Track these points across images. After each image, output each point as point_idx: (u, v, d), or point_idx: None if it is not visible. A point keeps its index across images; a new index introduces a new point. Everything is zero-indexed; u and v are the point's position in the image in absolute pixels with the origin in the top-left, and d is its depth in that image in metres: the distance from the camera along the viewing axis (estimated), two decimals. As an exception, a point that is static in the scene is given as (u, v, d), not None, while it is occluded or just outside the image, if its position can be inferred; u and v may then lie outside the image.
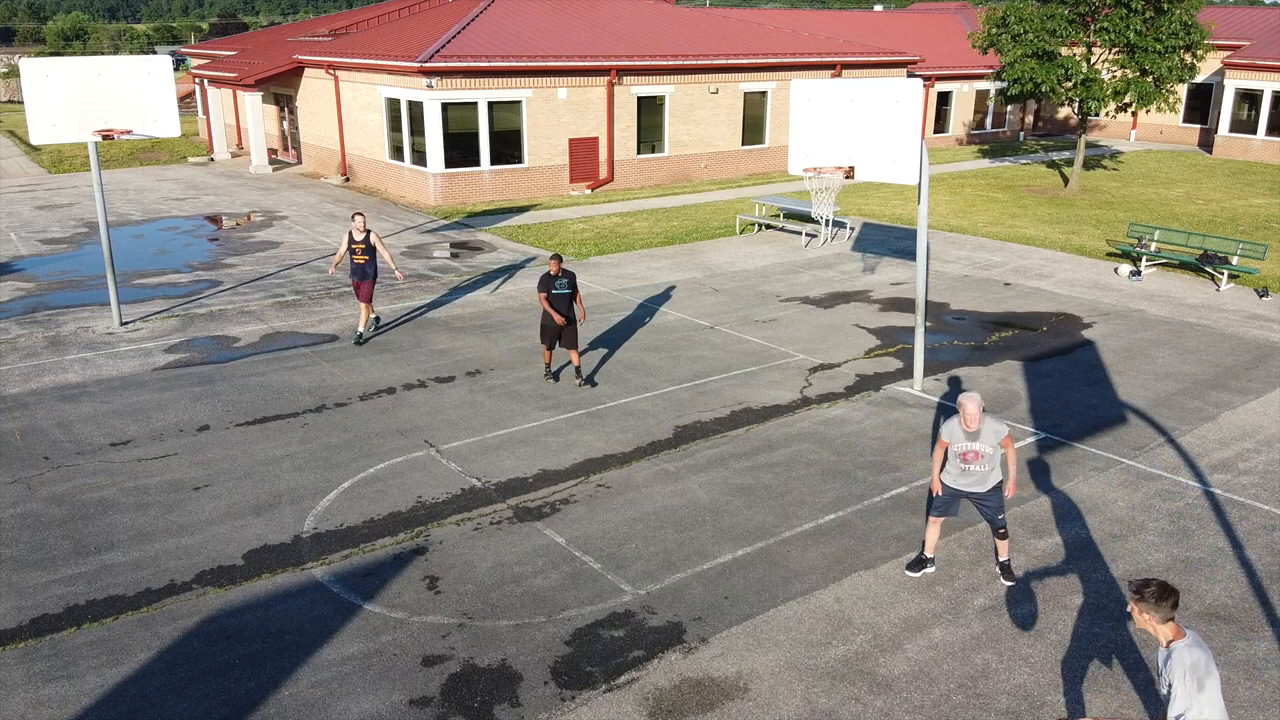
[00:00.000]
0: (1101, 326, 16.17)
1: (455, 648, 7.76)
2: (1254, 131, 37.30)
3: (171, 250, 21.79)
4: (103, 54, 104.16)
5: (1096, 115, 28.99)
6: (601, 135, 29.55)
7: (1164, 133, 42.26)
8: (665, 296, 17.93)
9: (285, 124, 36.43)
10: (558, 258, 13.09)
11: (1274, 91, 36.59)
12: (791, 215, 25.06)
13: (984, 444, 8.32)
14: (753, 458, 11.17)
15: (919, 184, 11.85)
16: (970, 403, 8.22)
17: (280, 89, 35.01)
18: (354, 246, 14.91)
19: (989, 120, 43.07)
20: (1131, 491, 10.43)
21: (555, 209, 26.86)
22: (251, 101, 32.97)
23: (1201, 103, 40.99)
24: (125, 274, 19.38)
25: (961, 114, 41.91)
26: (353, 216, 15.03)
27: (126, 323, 16.24)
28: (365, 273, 15.06)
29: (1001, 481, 8.54)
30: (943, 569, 8.89)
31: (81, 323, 16.25)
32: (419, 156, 27.64)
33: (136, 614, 8.18)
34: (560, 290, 13.06)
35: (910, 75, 36.90)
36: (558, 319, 13.07)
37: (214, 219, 25.56)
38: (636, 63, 29.16)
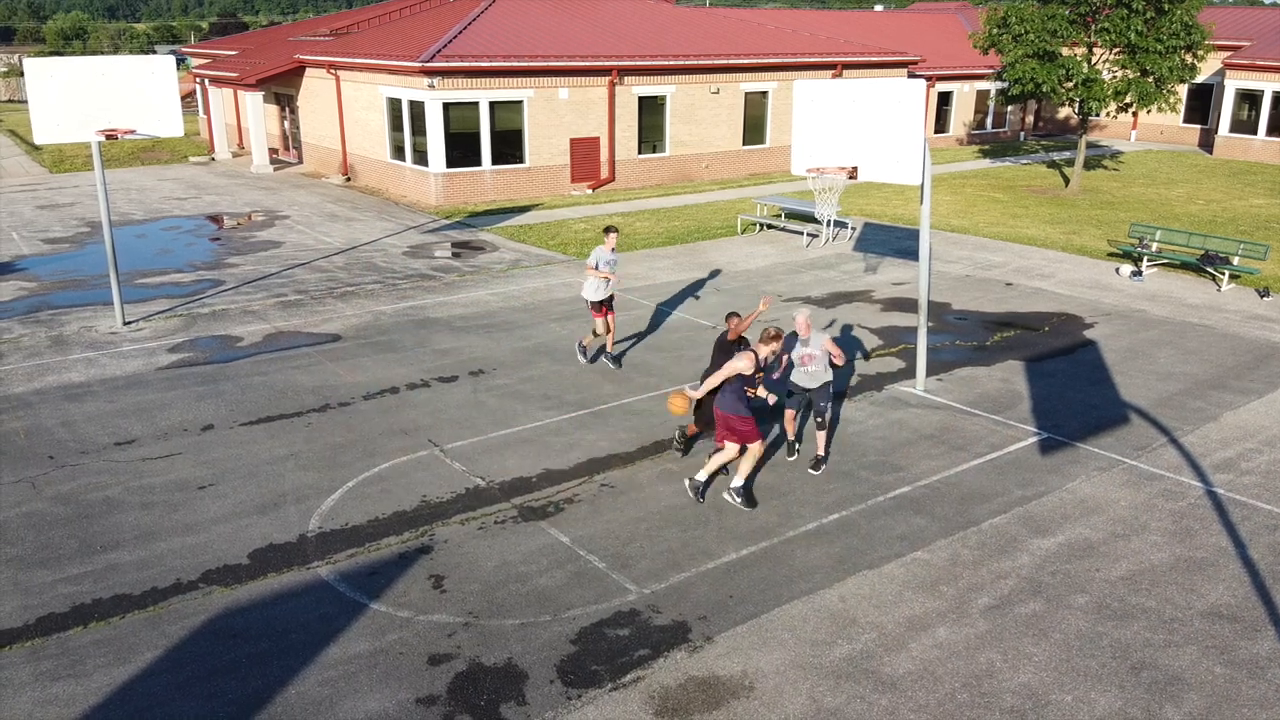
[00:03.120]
0: (1103, 327, 16.19)
1: (461, 646, 7.78)
2: (1254, 132, 37.33)
3: (174, 250, 21.81)
4: (102, 53, 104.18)
5: (1097, 115, 29.02)
6: (603, 135, 29.57)
7: (1164, 133, 42.29)
8: (667, 296, 17.95)
9: (286, 124, 36.43)
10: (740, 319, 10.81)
11: (1274, 92, 36.63)
12: (793, 215, 25.07)
13: (814, 348, 10.63)
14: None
15: (921, 184, 11.87)
16: (800, 315, 10.64)
17: (281, 89, 35.01)
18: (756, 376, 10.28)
19: (989, 120, 43.09)
20: (1134, 491, 10.46)
21: (557, 209, 26.88)
22: (252, 101, 32.99)
23: (1202, 103, 41.01)
24: (128, 273, 19.39)
25: (962, 114, 41.94)
26: (768, 338, 9.97)
27: (129, 322, 16.25)
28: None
29: (829, 382, 10.79)
30: (946, 568, 8.92)
31: (84, 322, 16.27)
32: (420, 156, 27.66)
33: (143, 613, 8.20)
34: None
35: (911, 75, 36.92)
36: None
37: (216, 219, 25.57)
38: (638, 63, 29.18)
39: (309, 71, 32.70)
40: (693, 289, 18.46)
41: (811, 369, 10.73)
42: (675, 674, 7.46)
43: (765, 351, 9.87)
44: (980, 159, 37.53)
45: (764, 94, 32.79)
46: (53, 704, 7.11)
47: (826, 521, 9.74)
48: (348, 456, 11.17)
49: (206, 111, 39.75)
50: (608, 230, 13.81)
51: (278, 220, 25.26)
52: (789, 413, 11.16)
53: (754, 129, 33.04)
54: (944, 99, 41.08)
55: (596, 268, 13.53)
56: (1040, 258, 21.15)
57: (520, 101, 27.74)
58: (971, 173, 33.78)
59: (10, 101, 69.57)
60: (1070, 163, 35.56)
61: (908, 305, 17.29)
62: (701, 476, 10.13)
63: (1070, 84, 27.96)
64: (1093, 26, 27.67)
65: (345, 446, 11.43)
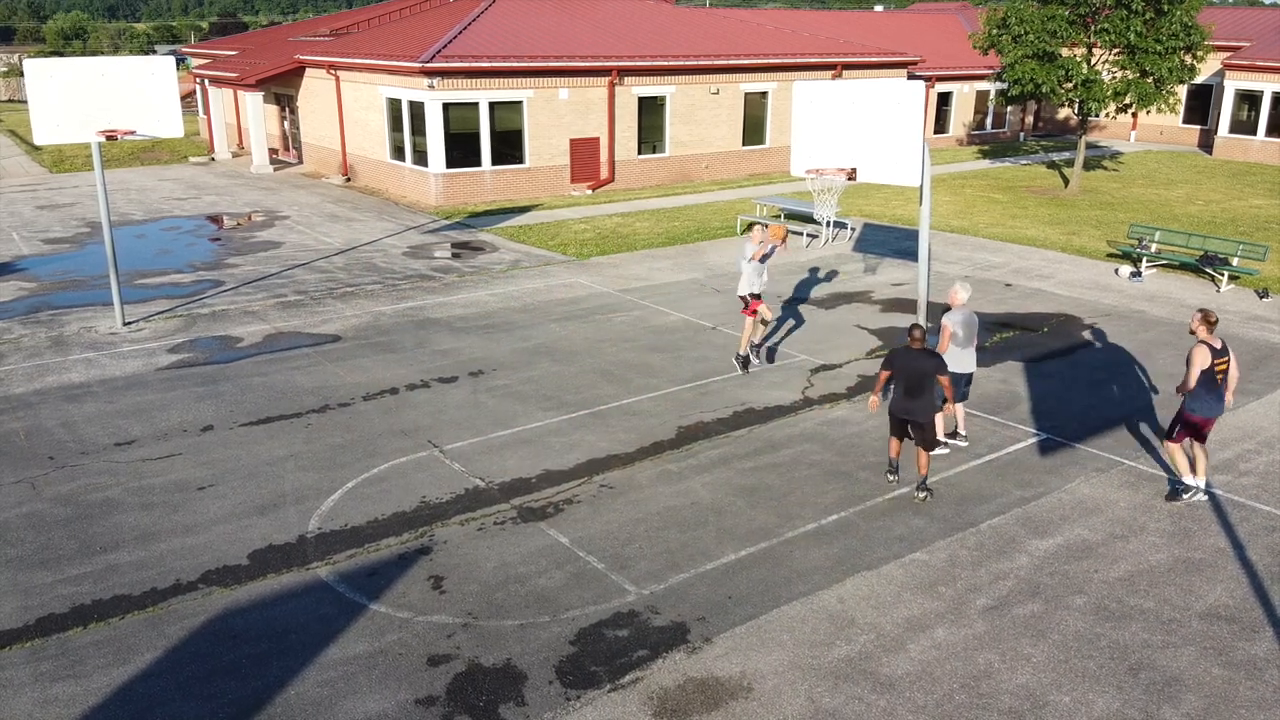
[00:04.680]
0: (1102, 327, 16.20)
1: (460, 647, 7.80)
2: (1254, 133, 37.34)
3: (173, 250, 21.82)
4: (102, 53, 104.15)
5: (1096, 116, 29.03)
6: (603, 135, 29.58)
7: (1164, 133, 42.30)
8: (667, 297, 17.96)
9: (286, 124, 36.45)
10: (921, 330, 10.01)
11: (1274, 92, 36.63)
12: (793, 216, 25.09)
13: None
14: (755, 458, 11.20)
15: (921, 185, 11.88)
16: (957, 286, 10.96)
17: (281, 89, 35.03)
18: (1217, 365, 10.15)
19: (989, 121, 43.10)
20: (1133, 492, 10.47)
21: (557, 209, 26.89)
22: (252, 101, 33.00)
23: (1201, 103, 41.02)
24: (127, 274, 19.40)
25: (962, 114, 41.95)
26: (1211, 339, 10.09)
27: (129, 323, 16.26)
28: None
29: (961, 371, 11.04)
30: (945, 569, 8.93)
31: (84, 322, 16.28)
32: (420, 156, 27.67)
33: (143, 613, 8.21)
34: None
35: (911, 76, 36.93)
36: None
37: (215, 219, 25.58)
38: (638, 63, 29.20)
39: (309, 72, 32.71)
40: (693, 289, 18.47)
41: (951, 346, 10.84)
42: (674, 675, 7.48)
43: None
44: (980, 159, 37.54)
45: (764, 94, 32.80)
46: (53, 704, 7.12)
47: (825, 522, 9.75)
48: (347, 457, 11.18)
49: (206, 112, 39.77)
50: (751, 226, 14.17)
51: (277, 220, 25.27)
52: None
53: (754, 129, 33.05)
54: (944, 99, 41.10)
55: (752, 259, 13.50)
56: (1040, 258, 21.16)
57: (520, 102, 27.75)
58: (971, 173, 33.80)
59: (10, 101, 69.58)
60: (1070, 163, 35.56)
61: (907, 306, 17.30)
62: (1200, 479, 10.19)
63: (1070, 85, 27.97)
64: (1092, 27, 27.68)
65: (345, 447, 11.45)
